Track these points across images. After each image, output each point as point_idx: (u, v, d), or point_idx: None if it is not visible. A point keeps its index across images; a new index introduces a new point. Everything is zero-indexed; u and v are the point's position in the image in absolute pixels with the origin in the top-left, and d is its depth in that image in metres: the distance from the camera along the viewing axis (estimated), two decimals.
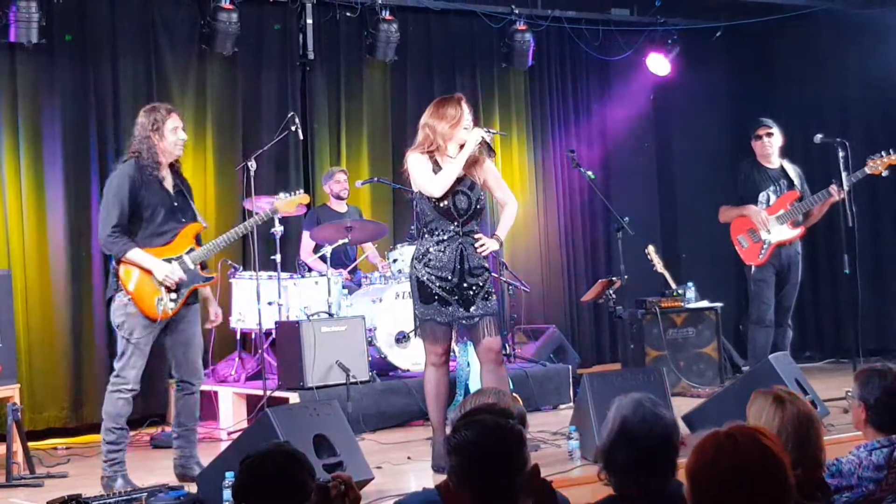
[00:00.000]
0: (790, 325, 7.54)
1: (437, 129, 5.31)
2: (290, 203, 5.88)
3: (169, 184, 5.39)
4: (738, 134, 10.53)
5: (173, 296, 5.30)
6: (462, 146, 5.32)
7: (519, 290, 8.19)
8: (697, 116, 10.38)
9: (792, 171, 7.53)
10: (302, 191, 6.04)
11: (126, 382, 5.25)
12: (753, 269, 7.46)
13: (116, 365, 5.31)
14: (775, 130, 7.52)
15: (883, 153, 7.08)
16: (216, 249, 5.53)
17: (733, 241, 7.54)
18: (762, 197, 7.44)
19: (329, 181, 8.19)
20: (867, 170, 7.10)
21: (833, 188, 7.13)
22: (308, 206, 8.25)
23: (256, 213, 5.78)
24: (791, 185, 7.46)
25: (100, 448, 6.60)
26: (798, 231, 7.40)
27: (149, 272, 5.24)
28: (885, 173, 7.11)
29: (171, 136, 5.34)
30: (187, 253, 5.38)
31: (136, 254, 5.23)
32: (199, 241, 5.49)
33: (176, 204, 5.39)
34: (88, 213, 7.46)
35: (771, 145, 7.49)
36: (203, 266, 5.51)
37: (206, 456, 5.57)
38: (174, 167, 5.45)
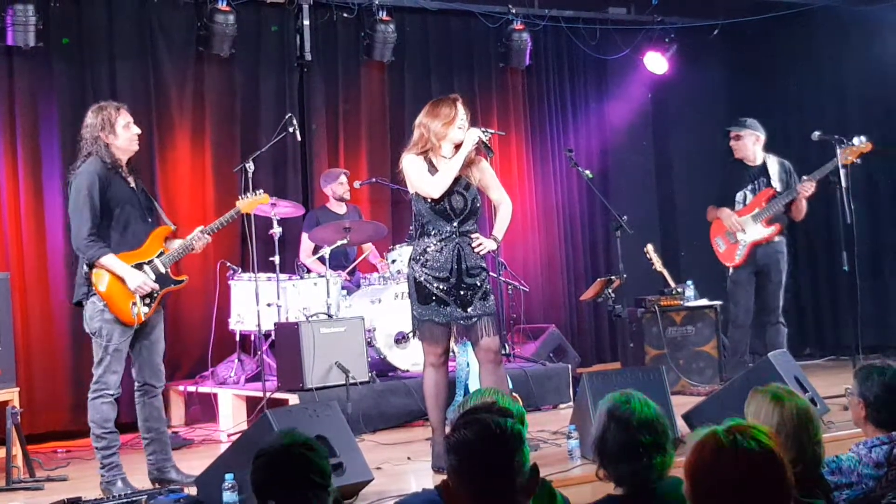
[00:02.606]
0: (783, 323, 7.47)
1: (431, 127, 5.31)
2: (251, 203, 5.83)
3: (132, 182, 5.34)
4: None
5: (147, 300, 5.28)
6: (457, 146, 5.32)
7: (518, 289, 8.19)
8: (695, 114, 10.38)
9: (774, 166, 7.44)
10: (262, 191, 5.96)
11: (108, 388, 5.21)
12: (731, 269, 7.46)
13: (96, 371, 5.25)
14: (745, 132, 7.46)
15: (855, 140, 7.01)
16: (185, 252, 5.49)
17: (712, 242, 7.54)
18: (739, 196, 7.41)
19: (332, 183, 8.16)
20: (839, 160, 7.04)
21: (801, 186, 7.09)
22: (306, 207, 8.31)
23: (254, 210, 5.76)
24: (770, 182, 7.44)
25: None
26: (772, 229, 7.31)
27: (121, 279, 5.21)
28: (857, 161, 7.03)
29: (124, 133, 5.28)
30: (158, 256, 5.35)
31: (109, 259, 5.17)
32: (168, 244, 5.45)
33: (141, 201, 5.35)
34: None
35: (744, 147, 7.45)
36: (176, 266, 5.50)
37: (205, 458, 5.56)
38: (133, 169, 5.39)
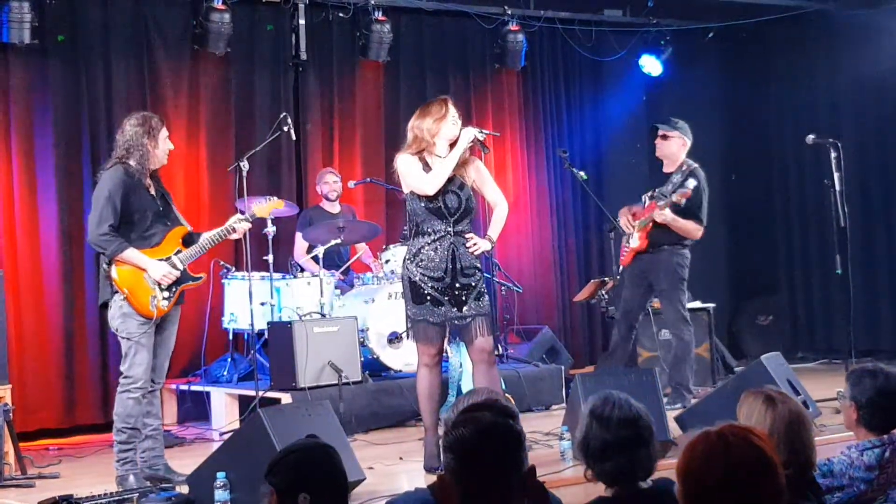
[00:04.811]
0: (678, 335, 7.07)
1: (423, 126, 5.33)
2: (265, 208, 5.99)
3: (153, 190, 5.46)
4: (731, 134, 10.57)
5: (166, 294, 5.35)
6: (451, 144, 5.33)
7: (511, 290, 8.19)
8: (690, 117, 10.22)
9: (677, 178, 7.08)
10: (275, 198, 6.15)
11: (134, 381, 5.26)
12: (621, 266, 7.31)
13: (122, 367, 5.33)
14: (674, 134, 7.16)
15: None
16: (203, 250, 5.56)
17: None
18: (644, 197, 7.24)
19: (319, 182, 8.20)
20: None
21: (655, 213, 6.93)
22: (300, 206, 8.30)
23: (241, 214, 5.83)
24: (662, 194, 7.12)
25: (91, 449, 6.66)
26: (640, 243, 7.07)
27: (143, 271, 5.28)
28: None
29: (163, 146, 5.44)
30: (175, 254, 5.43)
31: (132, 253, 5.27)
32: (185, 244, 5.52)
33: (161, 209, 5.46)
34: (81, 213, 7.43)
35: (667, 148, 7.17)
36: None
37: (197, 456, 5.55)
38: (154, 174, 5.51)
